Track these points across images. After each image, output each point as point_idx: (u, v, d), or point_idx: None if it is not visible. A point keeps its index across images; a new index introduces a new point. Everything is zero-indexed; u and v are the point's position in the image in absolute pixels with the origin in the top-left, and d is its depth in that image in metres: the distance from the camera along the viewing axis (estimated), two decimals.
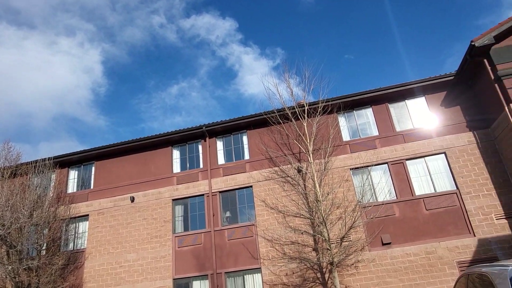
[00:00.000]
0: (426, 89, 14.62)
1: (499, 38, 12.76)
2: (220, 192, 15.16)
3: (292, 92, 14.74)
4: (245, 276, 13.67)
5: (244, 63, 64.89)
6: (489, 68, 12.77)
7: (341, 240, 12.44)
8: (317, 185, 12.89)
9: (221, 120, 15.86)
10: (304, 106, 14.37)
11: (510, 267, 5.53)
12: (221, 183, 15.24)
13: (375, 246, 12.92)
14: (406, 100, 14.92)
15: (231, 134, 16.20)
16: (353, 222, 12.31)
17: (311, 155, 13.52)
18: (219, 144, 16.20)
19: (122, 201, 15.98)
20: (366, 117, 15.15)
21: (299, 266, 13.08)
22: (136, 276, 14.53)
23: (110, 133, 62.71)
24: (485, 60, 12.88)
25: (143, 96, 63.16)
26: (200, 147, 16.32)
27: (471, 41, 12.74)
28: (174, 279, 14.17)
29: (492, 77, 12.63)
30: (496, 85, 12.53)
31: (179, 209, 15.51)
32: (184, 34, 64.94)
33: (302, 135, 14.11)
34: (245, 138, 15.95)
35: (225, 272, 13.78)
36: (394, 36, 56.03)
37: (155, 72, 64.70)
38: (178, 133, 16.12)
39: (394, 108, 14.97)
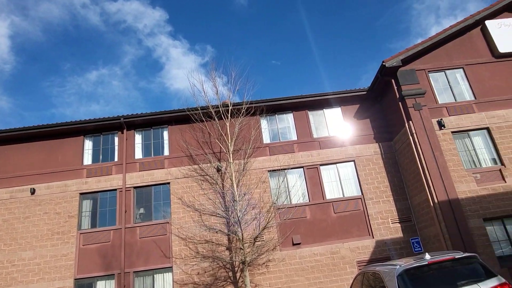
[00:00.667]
0: (342, 100, 15.72)
1: (405, 61, 14.26)
2: (134, 187, 14.48)
3: (217, 91, 14.75)
4: (155, 275, 13.23)
5: (172, 57, 63.11)
6: (395, 87, 14.18)
7: (254, 240, 12.73)
8: (235, 185, 13.03)
9: (142, 113, 15.18)
10: (228, 106, 14.45)
11: (397, 267, 6.22)
12: (136, 178, 14.56)
13: (286, 246, 13.47)
14: (324, 109, 15.85)
15: (151, 128, 15.58)
16: (267, 223, 12.69)
17: (231, 155, 13.63)
18: (138, 138, 15.47)
19: (20, 193, 14.35)
20: (287, 122, 15.76)
21: (211, 265, 13.07)
22: (31, 276, 13.15)
23: (14, 116, 56.01)
24: (393, 80, 14.27)
25: (56, 79, 57.64)
26: (116, 139, 15.40)
27: (383, 62, 14.03)
28: (75, 279, 13.13)
29: (397, 96, 14.05)
30: (400, 103, 13.96)
31: (87, 204, 14.44)
32: (108, 18, 60.87)
33: (224, 135, 14.16)
34: (165, 134, 15.47)
35: (133, 272, 13.18)
36: (316, 51, 59.41)
37: (72, 55, 59.52)
38: (92, 122, 15.02)
39: (313, 116, 15.81)
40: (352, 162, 14.79)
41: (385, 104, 15.51)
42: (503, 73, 14.27)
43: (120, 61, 60.99)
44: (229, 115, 14.28)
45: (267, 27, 61.02)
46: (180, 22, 61.55)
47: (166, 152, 15.14)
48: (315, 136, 15.35)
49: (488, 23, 14.87)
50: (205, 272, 13.03)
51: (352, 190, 14.44)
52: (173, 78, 62.22)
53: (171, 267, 13.21)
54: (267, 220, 12.78)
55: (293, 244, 13.45)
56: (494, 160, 13.04)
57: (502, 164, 12.78)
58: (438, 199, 12.25)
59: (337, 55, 60.07)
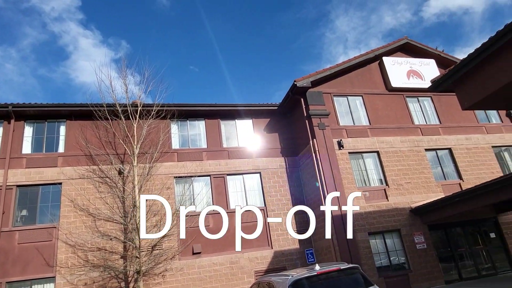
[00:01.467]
0: (254, 113, 16.15)
1: (315, 83, 15.27)
2: (18, 186, 12.76)
3: (127, 89, 13.90)
4: (33, 286, 11.72)
5: (81, 47, 58.06)
6: (304, 106, 15.06)
7: (152, 248, 12.16)
8: (136, 190, 12.35)
9: (36, 103, 13.56)
10: (137, 106, 13.72)
11: (290, 277, 6.48)
12: (21, 175, 12.86)
13: (186, 255, 13.14)
14: (236, 120, 16.08)
15: (45, 120, 13.98)
16: (168, 231, 12.23)
17: (136, 158, 12.92)
18: (28, 130, 13.74)
19: None
20: (198, 129, 15.57)
21: (102, 275, 12.06)
22: None
23: None
24: (302, 99, 15.15)
25: None
26: (0, 129, 13.46)
27: (294, 81, 14.82)
28: None
29: (305, 114, 14.93)
30: (306, 121, 14.85)
31: None
32: None
33: (130, 136, 13.36)
34: (62, 128, 14.02)
35: (6, 282, 11.49)
36: (231, 64, 60.65)
37: None
38: None
39: (225, 125, 15.91)
40: (258, 174, 15.19)
41: (293, 121, 16.36)
42: (393, 104, 16.20)
43: (17, 43, 54.03)
44: (137, 116, 13.55)
45: (188, 32, 60.33)
46: (94, 11, 57.21)
47: (61, 149, 13.70)
48: (225, 145, 15.43)
49: (385, 59, 16.81)
50: (94, 282, 11.97)
51: (256, 201, 14.78)
52: (80, 69, 57.23)
53: (54, 277, 11.85)
54: (169, 228, 12.32)
55: (193, 253, 13.18)
56: (380, 180, 14.60)
57: (387, 184, 14.37)
58: (333, 213, 13.21)
59: (255, 70, 62.03)
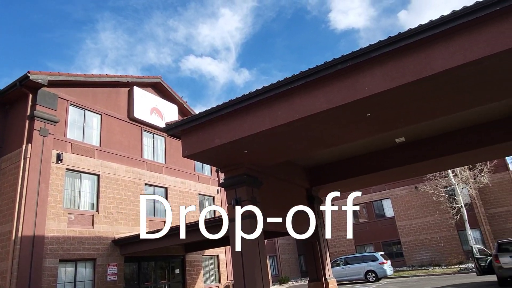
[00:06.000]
0: None
1: (53, 84, 13.54)
2: None
3: None
4: None
5: None
6: (30, 104, 12.93)
7: None
8: None
9: None
10: None
11: None
12: None
13: None
14: None
15: None
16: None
17: None
18: None
19: None
20: None
21: None
22: None
23: None
24: (31, 95, 13.02)
25: None
26: None
27: (28, 72, 12.67)
28: None
29: (28, 113, 12.81)
30: (27, 121, 12.73)
31: None
32: None
33: None
34: None
35: None
36: None
37: None
38: None
39: None
40: None
41: (10, 117, 13.70)
42: (129, 133, 16.41)
43: None
44: None
45: None
46: None
47: None
48: None
49: (136, 89, 17.14)
50: None
51: None
52: None
53: None
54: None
55: None
56: (92, 205, 13.98)
57: (97, 210, 13.89)
58: (23, 233, 11.40)
59: None
